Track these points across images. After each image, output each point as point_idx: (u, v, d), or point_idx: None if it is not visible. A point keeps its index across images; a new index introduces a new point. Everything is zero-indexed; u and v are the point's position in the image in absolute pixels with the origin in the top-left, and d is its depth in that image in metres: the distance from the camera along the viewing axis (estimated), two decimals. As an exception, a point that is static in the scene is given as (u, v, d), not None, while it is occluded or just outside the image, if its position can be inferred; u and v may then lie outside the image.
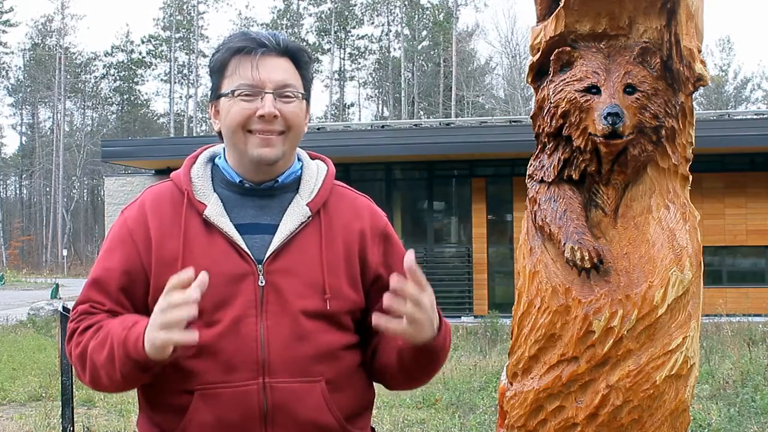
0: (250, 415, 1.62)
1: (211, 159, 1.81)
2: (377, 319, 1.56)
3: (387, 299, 1.54)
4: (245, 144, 1.69)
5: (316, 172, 1.81)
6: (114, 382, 1.61)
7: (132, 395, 4.95)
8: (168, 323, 1.47)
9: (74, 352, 1.66)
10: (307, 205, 1.73)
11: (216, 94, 1.74)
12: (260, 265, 1.66)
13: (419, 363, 1.72)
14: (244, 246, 1.67)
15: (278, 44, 1.70)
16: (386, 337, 1.74)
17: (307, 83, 1.76)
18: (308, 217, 1.72)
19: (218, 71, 1.72)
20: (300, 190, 1.76)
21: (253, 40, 1.69)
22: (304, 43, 52.30)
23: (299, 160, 1.82)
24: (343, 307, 1.71)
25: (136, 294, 1.68)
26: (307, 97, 1.76)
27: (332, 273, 1.70)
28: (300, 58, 1.75)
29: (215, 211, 1.69)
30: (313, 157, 1.87)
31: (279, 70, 1.69)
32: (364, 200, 1.85)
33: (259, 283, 1.65)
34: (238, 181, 1.74)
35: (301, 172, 1.79)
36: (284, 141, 1.69)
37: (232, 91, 1.69)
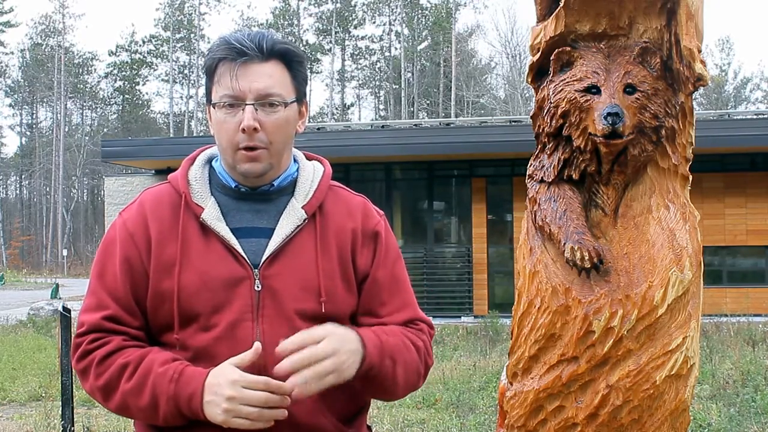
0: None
1: (209, 161, 1.81)
2: (297, 393, 1.54)
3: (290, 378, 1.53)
4: (233, 159, 1.69)
5: (312, 174, 1.80)
6: (150, 420, 1.63)
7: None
8: (260, 418, 1.53)
9: (94, 382, 1.63)
10: (302, 207, 1.73)
11: (208, 99, 1.75)
12: (256, 270, 1.66)
13: (367, 390, 1.72)
14: (240, 250, 1.66)
15: (261, 49, 1.66)
16: None
17: (299, 83, 1.73)
18: (304, 221, 1.71)
19: (208, 76, 1.73)
20: (295, 192, 1.75)
21: (233, 49, 1.66)
22: (304, 44, 52.35)
23: (295, 161, 1.81)
24: (339, 310, 1.71)
25: (141, 295, 1.68)
26: (299, 97, 1.74)
27: (328, 276, 1.69)
28: (290, 58, 1.71)
29: (212, 215, 1.69)
30: (309, 158, 1.86)
31: (262, 78, 1.66)
32: (359, 200, 1.84)
33: (256, 288, 1.65)
34: (233, 186, 1.73)
35: (297, 175, 1.78)
36: (269, 155, 1.68)
37: (215, 103, 1.69)
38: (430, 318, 1.90)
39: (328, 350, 1.53)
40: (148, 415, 1.60)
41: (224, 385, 1.53)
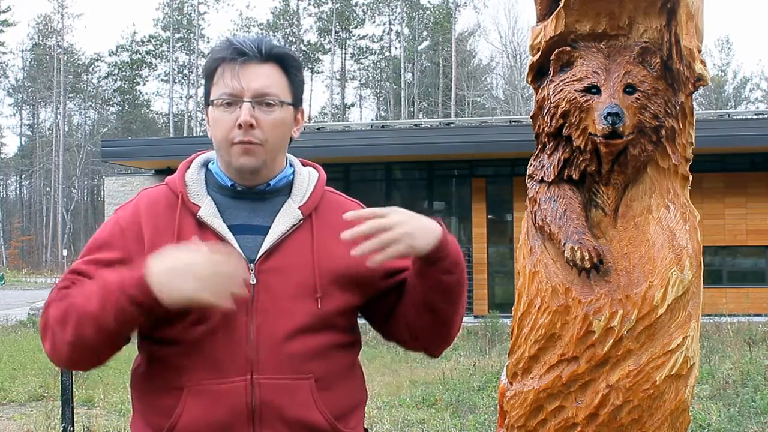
0: (238, 413, 1.63)
1: (205, 164, 1.84)
2: (369, 263, 1.61)
3: (356, 250, 1.60)
4: (229, 155, 1.71)
5: (307, 178, 1.83)
6: (101, 335, 1.57)
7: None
8: (218, 291, 1.52)
9: (53, 312, 1.61)
10: (298, 208, 1.75)
11: (206, 101, 1.78)
12: (252, 264, 1.68)
13: (438, 286, 1.72)
14: (236, 245, 1.68)
15: (260, 51, 1.71)
16: (405, 298, 1.78)
17: (295, 87, 1.77)
18: (300, 220, 1.74)
19: (207, 78, 1.77)
20: (292, 194, 1.78)
21: (234, 49, 1.71)
22: (304, 44, 52.39)
23: (291, 165, 1.84)
24: (335, 307, 1.72)
25: None
26: (295, 101, 1.77)
27: (323, 274, 1.71)
28: (287, 63, 1.75)
29: (209, 212, 1.72)
30: (305, 164, 1.89)
31: (260, 78, 1.70)
32: (355, 206, 1.86)
33: (250, 281, 1.66)
34: (230, 185, 1.76)
35: (293, 177, 1.81)
36: (264, 151, 1.71)
37: (213, 101, 1.72)
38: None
39: (394, 220, 1.60)
40: (100, 320, 1.55)
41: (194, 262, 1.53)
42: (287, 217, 1.73)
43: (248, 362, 1.63)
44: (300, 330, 1.67)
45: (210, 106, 1.74)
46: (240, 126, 1.67)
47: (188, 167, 1.82)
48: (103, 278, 1.59)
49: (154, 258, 1.56)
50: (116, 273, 1.59)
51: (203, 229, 1.70)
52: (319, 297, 1.69)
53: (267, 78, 1.71)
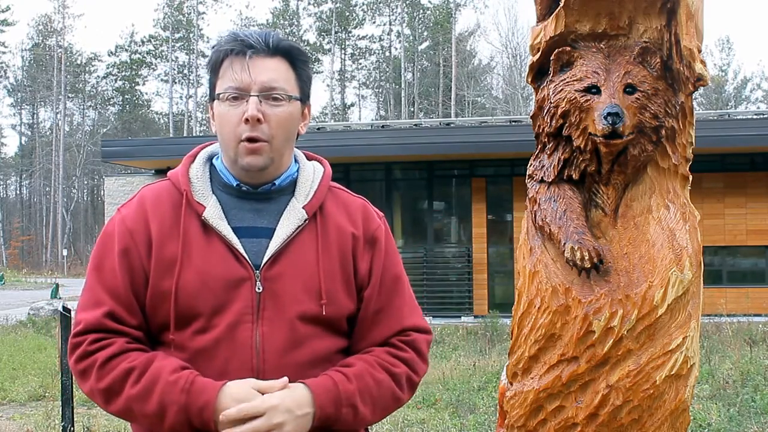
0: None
1: (210, 159, 1.80)
2: None
3: None
4: (235, 153, 1.68)
5: (312, 174, 1.79)
6: (155, 427, 1.61)
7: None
8: None
9: (95, 384, 1.61)
10: (303, 207, 1.72)
11: (211, 95, 1.74)
12: (258, 271, 1.65)
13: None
14: (242, 250, 1.65)
15: (268, 45, 1.67)
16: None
17: (303, 82, 1.74)
18: (304, 221, 1.71)
19: (212, 71, 1.72)
20: (296, 192, 1.74)
21: (241, 42, 1.67)
22: (304, 44, 52.33)
23: (296, 161, 1.80)
24: (339, 312, 1.70)
25: (139, 292, 1.66)
26: (303, 96, 1.74)
27: (329, 278, 1.69)
28: (295, 57, 1.72)
29: (214, 214, 1.68)
30: (309, 158, 1.85)
31: (267, 72, 1.66)
32: (359, 202, 1.83)
33: (257, 290, 1.64)
34: (235, 185, 1.72)
35: (297, 174, 1.78)
36: (270, 149, 1.67)
37: (219, 95, 1.68)
38: (428, 321, 1.88)
39: (270, 425, 1.53)
40: (153, 421, 1.58)
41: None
42: (292, 218, 1.70)
43: (254, 371, 1.61)
44: (305, 338, 1.65)
45: (215, 101, 1.70)
46: (247, 121, 1.64)
47: (192, 161, 1.78)
48: (159, 377, 1.57)
49: (226, 393, 1.55)
50: (178, 380, 1.57)
51: (208, 231, 1.67)
52: (324, 303, 1.66)
53: (274, 72, 1.67)
